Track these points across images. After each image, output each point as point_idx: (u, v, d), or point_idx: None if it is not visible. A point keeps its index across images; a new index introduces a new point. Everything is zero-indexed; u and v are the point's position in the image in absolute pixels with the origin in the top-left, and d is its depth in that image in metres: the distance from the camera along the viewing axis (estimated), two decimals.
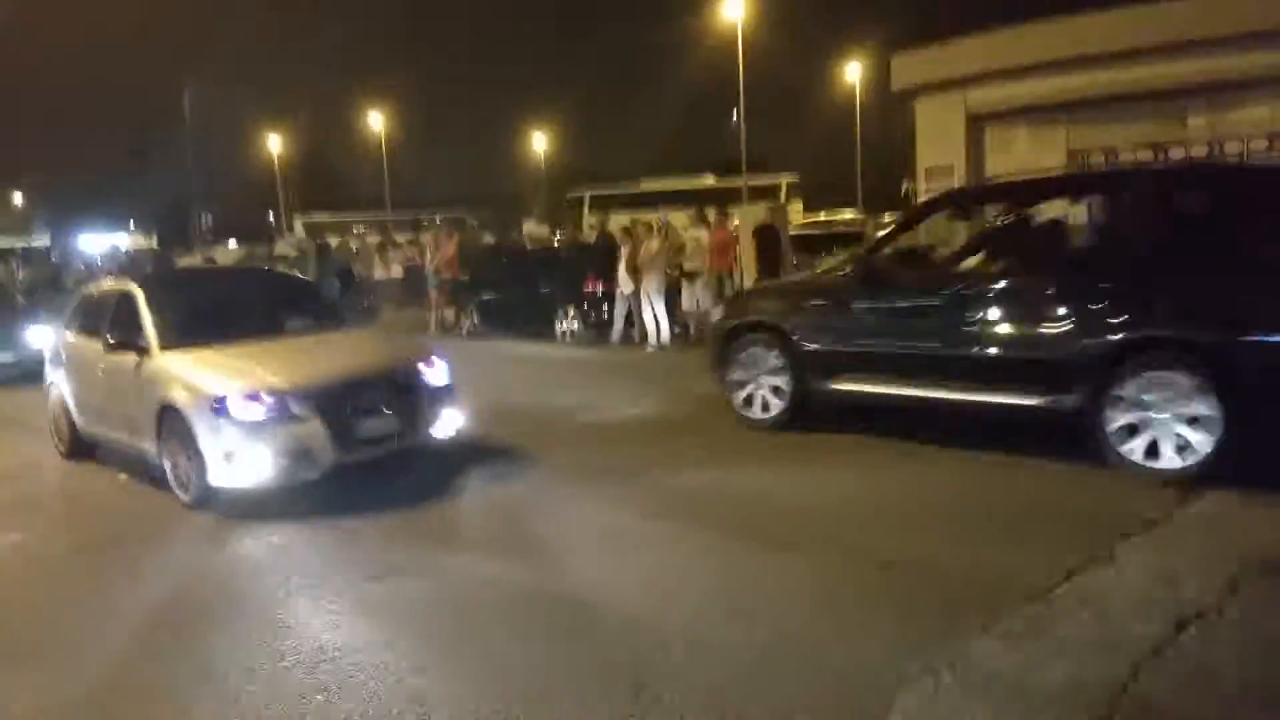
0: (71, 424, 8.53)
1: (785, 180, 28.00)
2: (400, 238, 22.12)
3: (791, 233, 17.49)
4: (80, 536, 6.65)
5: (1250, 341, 5.78)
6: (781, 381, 8.09)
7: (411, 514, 6.44)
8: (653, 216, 16.51)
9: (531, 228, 25.55)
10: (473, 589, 5.12)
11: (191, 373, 6.74)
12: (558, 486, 6.98)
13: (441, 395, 7.26)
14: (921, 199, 17.31)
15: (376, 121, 54.69)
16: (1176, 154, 14.76)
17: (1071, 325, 6.40)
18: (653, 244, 14.13)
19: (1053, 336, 6.47)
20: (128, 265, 23.73)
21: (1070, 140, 15.83)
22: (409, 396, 6.99)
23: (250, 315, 7.88)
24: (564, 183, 44.73)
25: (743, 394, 8.38)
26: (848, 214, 25.34)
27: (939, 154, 16.89)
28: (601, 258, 15.28)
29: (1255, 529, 5.26)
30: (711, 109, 47.15)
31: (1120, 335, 6.16)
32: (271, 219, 56.41)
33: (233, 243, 39.69)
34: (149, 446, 7.08)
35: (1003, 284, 6.85)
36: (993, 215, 7.16)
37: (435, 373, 7.29)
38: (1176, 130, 14.68)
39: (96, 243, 36.64)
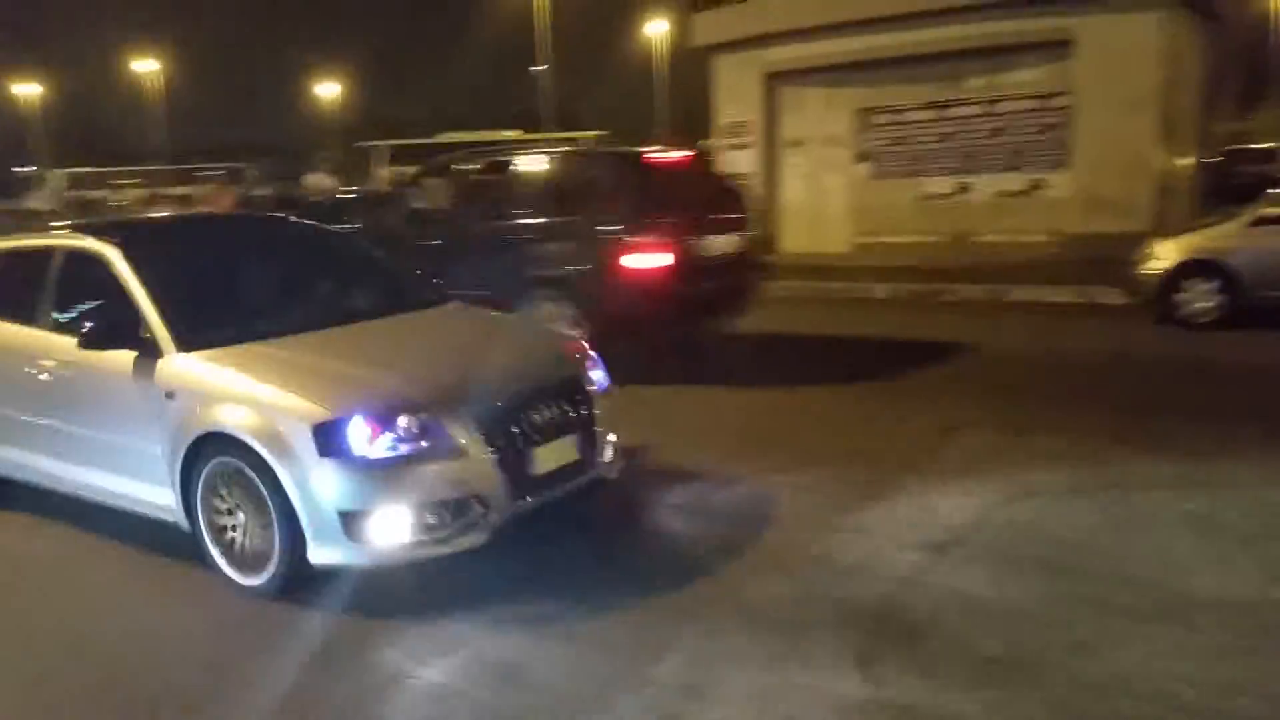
0: None
1: (592, 136, 27.82)
2: (173, 190, 20.46)
3: None
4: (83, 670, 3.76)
5: (596, 274, 7.66)
6: None
7: (665, 599, 4.02)
8: None
9: (318, 179, 24.28)
10: None
11: (255, 383, 4.24)
12: (827, 516, 4.84)
13: (605, 405, 4.93)
14: (723, 153, 17.62)
15: (147, 68, 50.58)
16: (959, 113, 15.51)
17: (500, 266, 8.03)
18: None
19: (490, 274, 7.94)
20: None
21: (859, 100, 16.34)
22: (582, 410, 4.70)
23: (292, 289, 5.45)
24: (361, 134, 42.89)
25: None
26: None
27: (737, 111, 17.11)
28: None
29: (1009, 460, 5.59)
30: (518, 62, 46.29)
31: (527, 273, 7.94)
32: (32, 171, 51.34)
33: None
34: (161, 499, 4.57)
35: (468, 233, 8.45)
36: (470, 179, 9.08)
37: (597, 373, 5.06)
38: (956, 91, 15.39)
39: None
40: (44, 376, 5.01)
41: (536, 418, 4.39)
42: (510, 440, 4.23)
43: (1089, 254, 12.37)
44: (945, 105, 15.54)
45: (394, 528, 4.01)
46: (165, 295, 4.68)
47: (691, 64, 18.90)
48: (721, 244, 8.20)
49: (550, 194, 8.40)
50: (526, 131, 32.75)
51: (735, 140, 17.14)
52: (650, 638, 3.70)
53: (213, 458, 4.28)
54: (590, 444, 4.66)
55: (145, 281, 4.71)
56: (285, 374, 4.28)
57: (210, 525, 4.38)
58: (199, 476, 4.34)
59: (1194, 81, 15.79)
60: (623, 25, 45.31)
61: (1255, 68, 29.33)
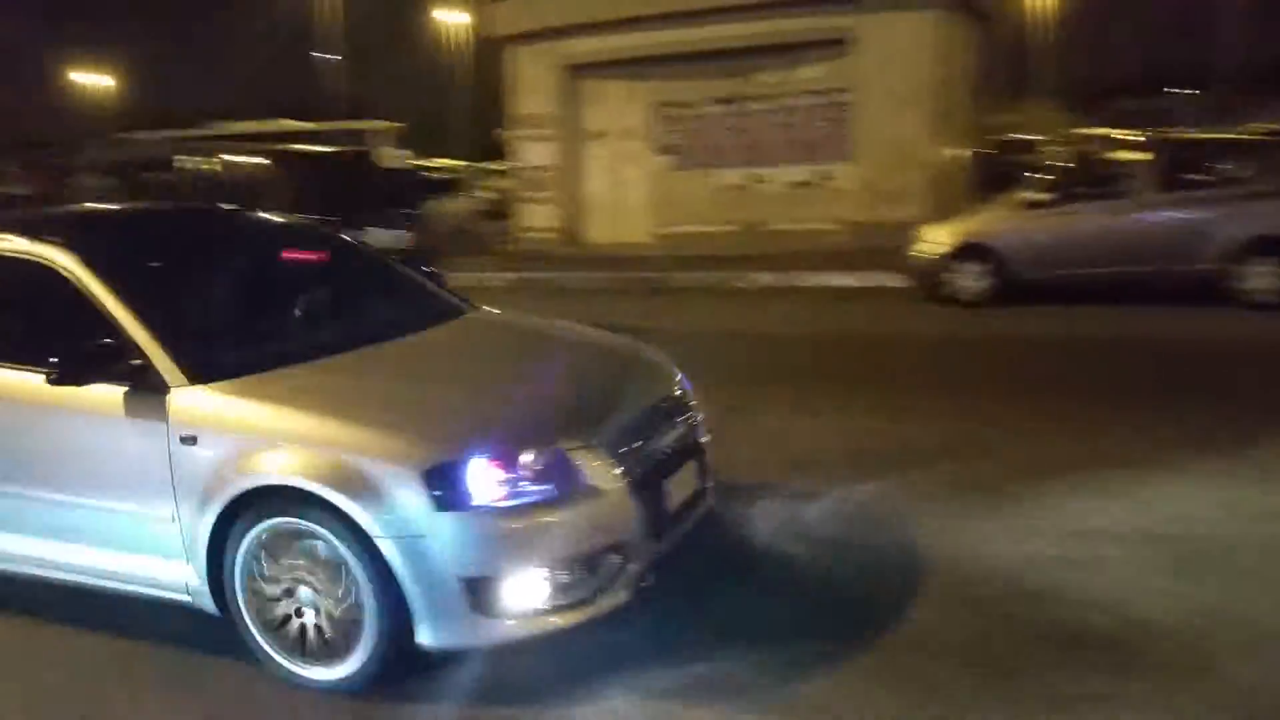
0: None
1: (383, 126, 27.00)
2: None
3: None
4: None
5: None
6: None
7: (833, 642, 3.44)
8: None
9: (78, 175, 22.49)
10: None
11: (323, 420, 3.33)
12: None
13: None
14: (519, 147, 17.45)
15: None
16: (751, 107, 15.90)
17: None
18: None
19: None
20: None
21: (657, 94, 16.53)
22: (694, 432, 4.03)
23: (300, 299, 4.46)
24: (135, 126, 39.99)
25: None
26: (447, 161, 25.01)
27: (534, 103, 16.99)
28: None
29: (791, 437, 5.80)
30: (314, 50, 44.41)
31: None
32: None
33: None
34: (173, 575, 3.56)
35: None
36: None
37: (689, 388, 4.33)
38: (747, 86, 15.80)
39: None
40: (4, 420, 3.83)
41: (663, 442, 3.69)
42: (644, 472, 3.47)
43: (873, 241, 12.97)
44: (738, 99, 15.94)
45: (530, 593, 3.19)
46: (154, 313, 3.62)
47: (493, 54, 18.60)
48: (385, 239, 8.82)
49: (212, 189, 8.61)
50: (316, 121, 31.46)
51: (534, 132, 17.01)
52: (854, 694, 3.13)
53: (261, 519, 3.31)
54: (705, 469, 3.98)
55: (121, 295, 3.61)
56: (358, 406, 3.40)
57: (255, 606, 3.38)
58: (237, 543, 3.35)
59: (966, 77, 16.84)
60: (422, 13, 44.19)
61: (1021, 64, 31.75)
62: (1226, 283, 8.98)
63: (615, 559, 3.32)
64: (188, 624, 3.61)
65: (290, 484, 3.20)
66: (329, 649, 3.28)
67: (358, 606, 3.19)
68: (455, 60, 43.91)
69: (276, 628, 3.36)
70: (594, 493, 3.29)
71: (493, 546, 3.15)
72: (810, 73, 15.46)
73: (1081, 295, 9.48)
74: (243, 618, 3.40)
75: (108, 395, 3.50)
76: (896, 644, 3.40)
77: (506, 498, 3.16)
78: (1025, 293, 9.67)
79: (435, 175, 20.77)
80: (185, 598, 3.52)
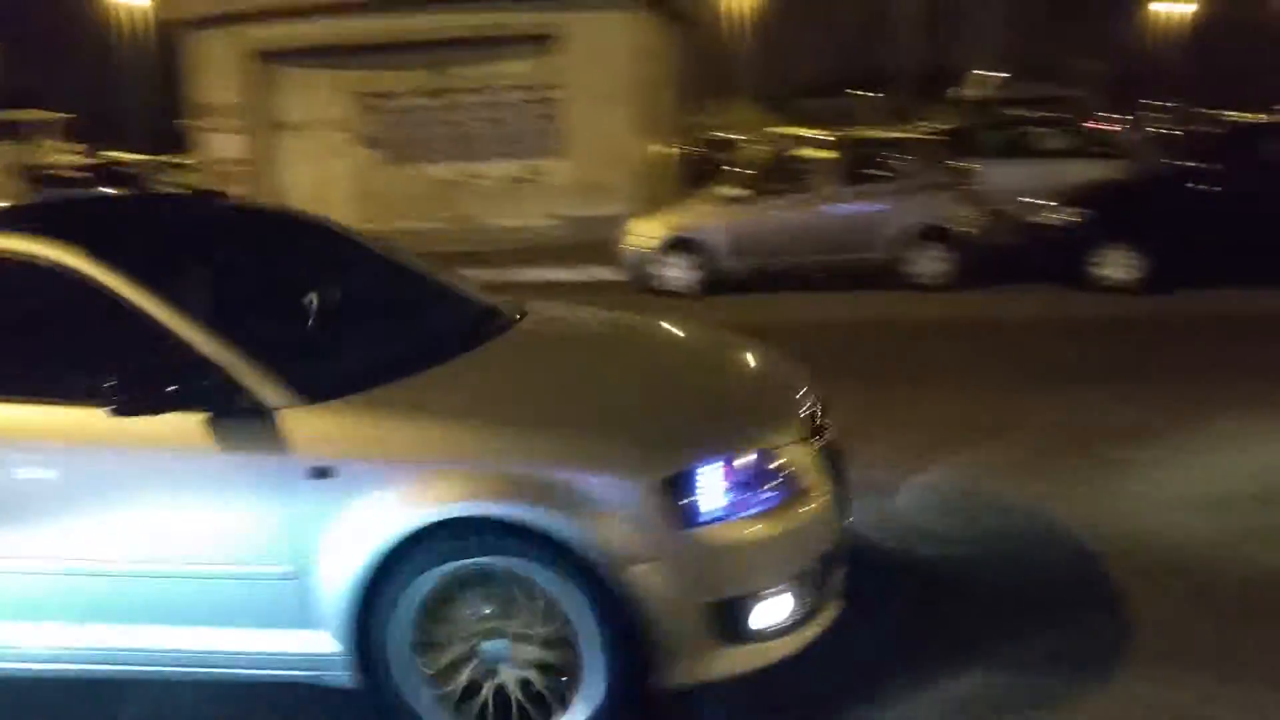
0: None
1: (43, 116, 24.36)
2: None
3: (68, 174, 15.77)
4: None
5: None
6: None
7: (1069, 653, 3.17)
8: None
9: None
10: None
11: (503, 434, 2.77)
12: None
13: None
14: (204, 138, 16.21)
15: None
16: (460, 100, 15.57)
17: None
18: None
19: None
20: None
21: (360, 84, 15.87)
22: (829, 422, 3.53)
23: (359, 302, 3.75)
24: None
25: None
26: (122, 154, 22.97)
27: (220, 92, 15.81)
28: None
29: None
30: None
31: None
32: None
33: None
34: (297, 645, 2.80)
35: None
36: None
37: None
38: (455, 79, 15.47)
39: None
40: (25, 473, 2.90)
41: (823, 435, 3.21)
42: (829, 468, 3.06)
43: (587, 235, 13.07)
44: (446, 92, 15.59)
45: (773, 611, 2.78)
46: (220, 321, 2.90)
47: (175, 38, 17.14)
48: None
49: None
50: None
51: (220, 122, 15.81)
52: (1129, 695, 2.92)
53: (433, 561, 2.65)
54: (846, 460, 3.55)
55: (170, 302, 2.85)
56: (546, 415, 2.87)
57: (426, 670, 2.73)
58: (397, 596, 2.67)
59: (670, 77, 17.38)
60: None
61: (722, 66, 33.38)
62: (901, 268, 9.80)
63: (827, 565, 2.98)
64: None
65: (488, 513, 2.62)
66: (538, 710, 2.71)
67: (574, 653, 2.67)
68: (136, 45, 40.21)
69: (456, 694, 2.75)
70: (807, 494, 2.92)
71: (739, 563, 2.75)
72: (517, 68, 15.37)
73: (780, 283, 10.00)
74: (407, 688, 2.74)
75: (169, 426, 2.71)
76: (1123, 633, 3.24)
77: (740, 506, 2.76)
78: (730, 282, 10.06)
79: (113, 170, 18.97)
80: (306, 673, 2.83)
